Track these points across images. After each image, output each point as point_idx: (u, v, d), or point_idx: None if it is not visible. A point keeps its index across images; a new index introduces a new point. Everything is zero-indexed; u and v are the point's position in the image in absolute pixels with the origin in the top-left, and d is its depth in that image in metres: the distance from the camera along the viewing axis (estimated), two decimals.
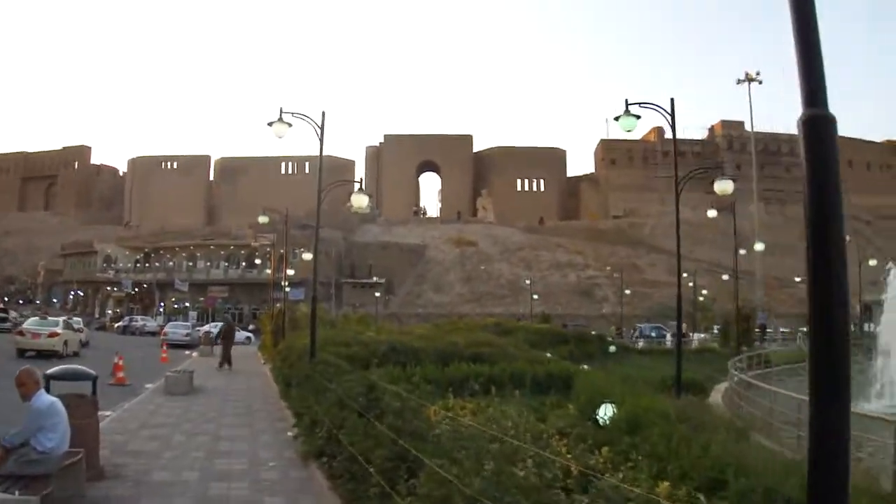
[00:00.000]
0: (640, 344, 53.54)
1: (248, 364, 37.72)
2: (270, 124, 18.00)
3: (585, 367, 22.10)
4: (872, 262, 70.38)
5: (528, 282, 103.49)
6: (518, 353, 21.31)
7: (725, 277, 57.18)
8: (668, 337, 58.11)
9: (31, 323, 38.77)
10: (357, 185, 18.66)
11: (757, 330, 53.67)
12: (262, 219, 35.67)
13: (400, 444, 7.63)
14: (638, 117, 17.55)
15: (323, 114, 18.28)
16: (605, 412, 11.79)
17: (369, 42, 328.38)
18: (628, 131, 17.50)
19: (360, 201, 18.38)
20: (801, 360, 40.40)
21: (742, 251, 46.03)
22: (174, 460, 11.91)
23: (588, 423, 12.23)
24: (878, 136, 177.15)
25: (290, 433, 14.57)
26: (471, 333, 27.22)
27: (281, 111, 17.94)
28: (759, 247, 45.45)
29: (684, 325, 64.98)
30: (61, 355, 33.97)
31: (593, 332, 49.88)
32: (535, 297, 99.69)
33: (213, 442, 13.97)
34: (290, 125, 18.11)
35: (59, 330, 36.28)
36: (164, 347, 39.77)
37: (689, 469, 8.21)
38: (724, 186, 17.97)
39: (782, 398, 17.61)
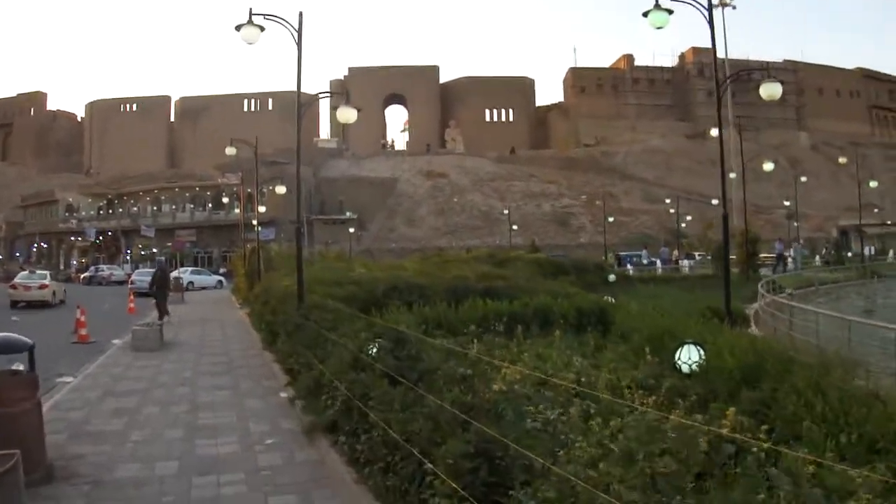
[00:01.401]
0: (630, 271, 51.22)
1: (222, 310, 35.35)
2: (239, 28, 15.11)
3: (610, 298, 19.38)
4: (874, 184, 69.14)
5: (505, 212, 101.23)
6: (536, 286, 18.64)
7: (715, 202, 54.94)
8: (659, 264, 55.91)
9: (21, 277, 42.61)
10: (343, 98, 15.80)
11: (764, 255, 50.95)
12: (230, 150, 32.51)
13: (478, 428, 5.13)
14: (670, 12, 15.12)
15: (300, 14, 15.45)
16: (690, 356, 9.30)
17: None
18: (659, 28, 15.04)
19: (346, 115, 15.55)
20: (809, 285, 38.34)
21: (732, 174, 43.46)
22: (144, 444, 9.26)
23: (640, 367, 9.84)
24: (850, 64, 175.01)
25: (283, 394, 12.19)
26: (467, 266, 24.35)
27: (251, 13, 15.06)
28: (768, 166, 43.00)
29: (674, 253, 63.65)
30: (51, 304, 38.21)
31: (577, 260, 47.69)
32: (514, 227, 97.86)
33: (192, 413, 11.31)
34: (261, 29, 15.18)
35: (47, 282, 40.23)
36: (132, 297, 37.00)
37: (880, 439, 5.80)
38: (771, 90, 15.44)
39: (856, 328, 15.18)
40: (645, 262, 60.17)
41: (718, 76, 15.81)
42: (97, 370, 16.20)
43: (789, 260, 52.66)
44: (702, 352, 9.24)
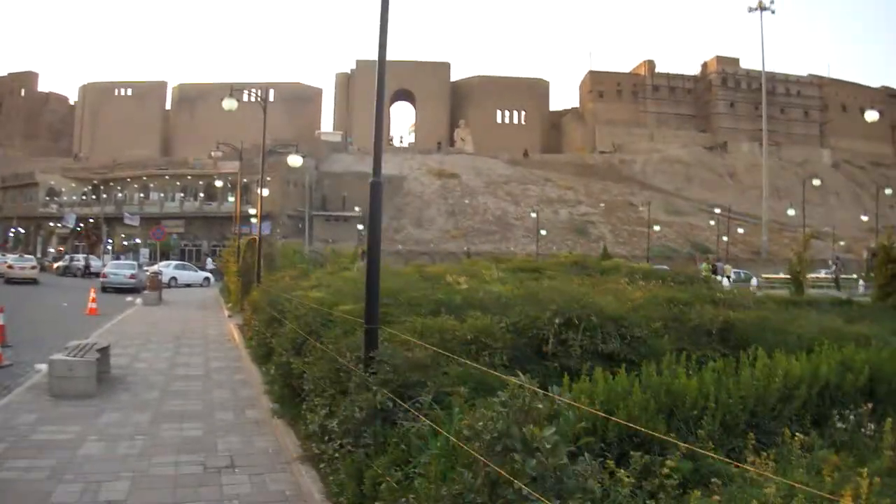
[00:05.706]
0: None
1: (207, 317, 27.74)
2: None
3: None
4: None
5: (531, 215, 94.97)
6: (802, 323, 9.92)
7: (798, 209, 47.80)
8: (726, 280, 47.93)
9: (14, 259, 51.51)
10: None
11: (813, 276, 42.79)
12: (228, 103, 24.63)
13: None
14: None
15: None
16: None
17: None
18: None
19: None
20: None
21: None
22: None
23: None
24: (876, 83, 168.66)
25: None
26: (570, 278, 14.94)
27: None
28: None
29: (727, 267, 55.66)
30: (37, 282, 47.65)
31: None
32: (526, 235, 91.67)
33: None
34: None
35: (34, 264, 51.46)
36: (93, 294, 28.97)
37: None
38: None
39: None
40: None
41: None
42: None
43: None
44: None
